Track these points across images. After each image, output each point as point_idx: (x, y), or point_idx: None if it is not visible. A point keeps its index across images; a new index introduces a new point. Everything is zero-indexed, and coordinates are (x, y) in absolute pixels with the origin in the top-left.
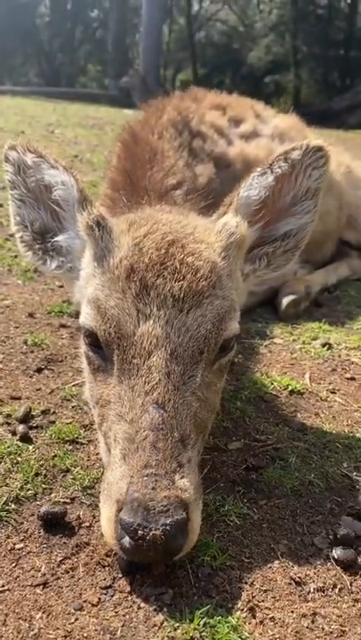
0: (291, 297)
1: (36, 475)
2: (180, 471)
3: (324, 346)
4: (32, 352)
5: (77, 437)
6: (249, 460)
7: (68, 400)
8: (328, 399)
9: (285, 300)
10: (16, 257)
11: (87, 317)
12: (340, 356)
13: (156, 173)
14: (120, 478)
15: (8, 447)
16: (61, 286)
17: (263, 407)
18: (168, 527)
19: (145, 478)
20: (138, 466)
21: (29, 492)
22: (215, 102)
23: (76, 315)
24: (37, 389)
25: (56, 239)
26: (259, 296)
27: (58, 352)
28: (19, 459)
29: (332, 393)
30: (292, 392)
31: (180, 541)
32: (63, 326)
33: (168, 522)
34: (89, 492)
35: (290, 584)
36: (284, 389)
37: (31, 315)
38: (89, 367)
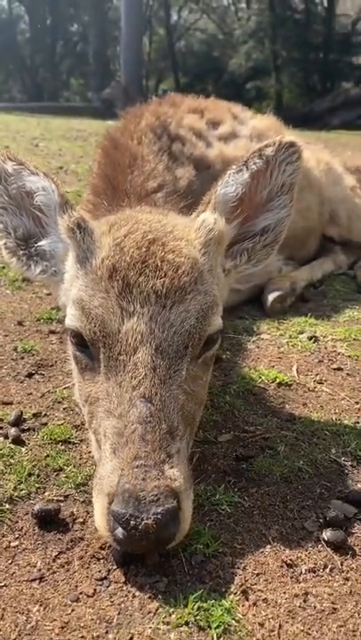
0: (276, 293)
1: (30, 475)
2: (169, 462)
3: (310, 339)
4: (22, 358)
5: (69, 438)
6: (238, 450)
7: (60, 402)
8: (316, 389)
9: (271, 297)
10: (4, 268)
11: (72, 318)
12: (326, 347)
13: (136, 177)
14: (111, 472)
15: (1, 450)
16: (49, 294)
17: (252, 400)
18: (159, 516)
19: (135, 470)
20: (128, 458)
21: (23, 491)
22: (193, 106)
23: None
24: (29, 394)
25: (39, 244)
26: (245, 294)
27: (48, 357)
28: (11, 460)
29: (320, 383)
30: (280, 384)
31: (172, 530)
32: (52, 332)
33: (159, 510)
34: (82, 489)
35: (281, 567)
36: (272, 382)
37: (20, 323)
38: (77, 367)
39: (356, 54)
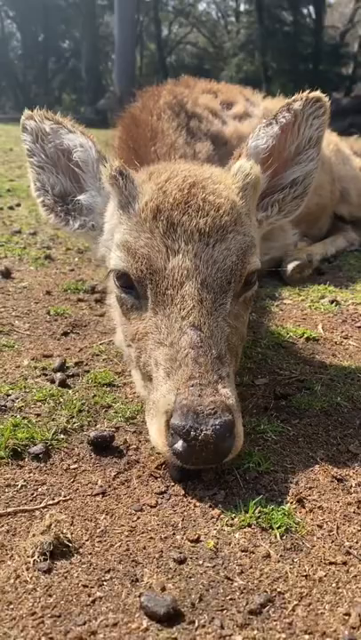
0: (295, 262)
1: (80, 411)
2: (221, 382)
3: (332, 302)
4: (56, 320)
5: (113, 381)
6: (277, 389)
7: (98, 355)
8: (343, 344)
9: (291, 266)
10: (25, 248)
11: (118, 260)
12: (348, 310)
13: (159, 149)
14: (167, 392)
15: (49, 391)
16: (72, 270)
17: (283, 352)
18: (218, 426)
19: (191, 388)
20: (183, 379)
21: (75, 424)
22: (206, 88)
23: (92, 290)
24: (67, 349)
25: (78, 198)
26: (263, 266)
27: (80, 319)
28: (61, 399)
29: (346, 339)
30: (308, 339)
31: (229, 442)
32: (81, 300)
33: (217, 422)
34: (132, 421)
35: (332, 481)
36: (300, 337)
37: (49, 292)
38: (121, 309)
39: (345, 65)
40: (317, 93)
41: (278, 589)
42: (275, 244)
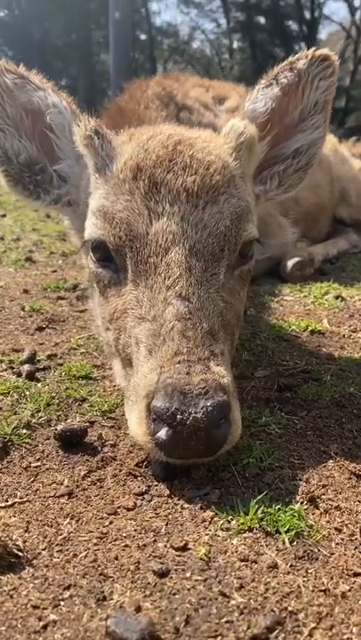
0: (296, 259)
1: (48, 405)
2: (214, 359)
3: (337, 298)
4: (31, 316)
5: (90, 374)
6: (280, 380)
7: (75, 349)
8: (351, 337)
9: (291, 262)
10: (5, 252)
11: (93, 228)
12: (354, 305)
13: None
14: (148, 372)
15: (14, 384)
16: (55, 271)
17: (285, 344)
18: (210, 408)
19: (177, 365)
20: (168, 355)
21: (42, 418)
22: (197, 82)
23: (74, 288)
24: (40, 344)
25: (53, 169)
26: (261, 266)
27: (59, 314)
28: (27, 392)
29: (354, 332)
30: (312, 332)
31: (224, 429)
32: (61, 298)
33: (209, 404)
34: (109, 415)
35: (350, 478)
36: (304, 330)
37: (26, 291)
38: (98, 287)
39: (337, 98)
40: (325, 51)
41: (290, 608)
42: (273, 241)
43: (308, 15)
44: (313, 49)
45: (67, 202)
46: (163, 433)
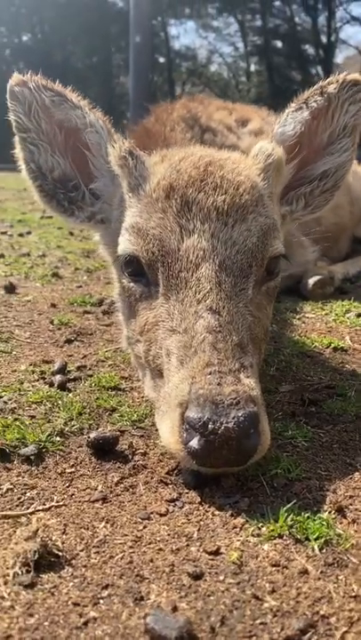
0: (317, 277)
1: (80, 414)
2: (244, 371)
3: (358, 316)
4: (59, 329)
5: (118, 385)
6: (305, 395)
7: (103, 361)
8: None
9: (312, 280)
10: (32, 267)
11: (126, 244)
12: None
13: None
14: (180, 382)
15: (47, 393)
16: (80, 287)
17: (308, 360)
18: (241, 418)
19: (209, 376)
20: (199, 366)
21: (75, 427)
22: (221, 105)
23: (100, 303)
24: (69, 355)
25: (90, 187)
26: (280, 284)
27: (86, 328)
28: (59, 402)
29: None
30: (335, 349)
31: (254, 440)
32: (87, 312)
33: (240, 414)
34: (139, 425)
35: None
36: (327, 347)
37: (54, 305)
38: (129, 301)
39: None
40: (356, 76)
41: (321, 612)
42: (294, 260)
43: (324, 39)
44: (344, 73)
45: (100, 219)
46: (195, 442)
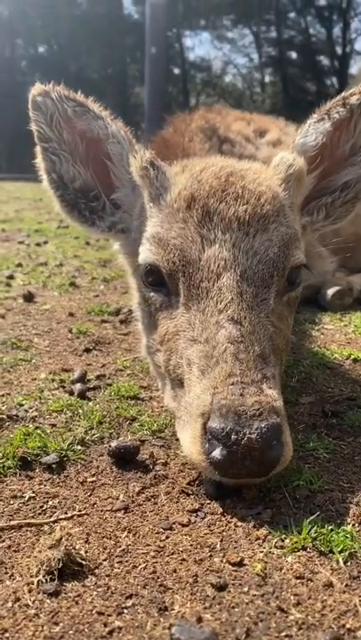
0: (336, 288)
1: (100, 423)
2: (266, 382)
3: None
4: (78, 338)
5: (138, 394)
6: (326, 407)
7: (122, 370)
8: None
9: (331, 291)
10: (50, 277)
11: (147, 254)
12: None
13: None
14: (202, 392)
15: (67, 402)
16: (97, 296)
17: (328, 372)
18: (264, 429)
19: (231, 387)
20: (221, 376)
21: (95, 436)
22: (239, 116)
23: (117, 312)
24: (88, 364)
25: (111, 197)
26: (302, 293)
27: (104, 337)
28: (80, 410)
29: None
30: (355, 360)
31: (277, 451)
32: (105, 321)
33: (263, 425)
34: (159, 435)
35: None
36: (347, 359)
37: (71, 314)
38: (149, 310)
39: None
40: None
41: (348, 626)
42: (313, 270)
43: (339, 50)
44: None
45: (120, 229)
46: (217, 452)
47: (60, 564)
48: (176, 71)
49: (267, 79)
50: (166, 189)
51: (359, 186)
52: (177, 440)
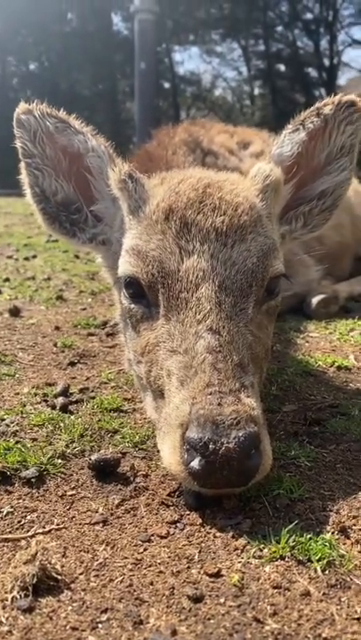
0: (321, 296)
1: (81, 436)
2: (244, 391)
3: None
4: (62, 352)
5: (121, 407)
6: (308, 415)
7: (106, 383)
8: None
9: (315, 299)
10: (37, 290)
11: (127, 266)
12: None
13: None
14: (181, 403)
15: (49, 415)
16: (84, 309)
17: (312, 380)
18: (242, 438)
19: (209, 396)
20: (199, 386)
21: (76, 449)
22: (222, 129)
23: (103, 325)
24: (72, 378)
25: (91, 209)
26: (284, 303)
27: (89, 350)
28: (61, 424)
29: None
30: (339, 368)
31: (255, 460)
32: (91, 334)
33: (241, 434)
34: (141, 447)
35: None
36: (331, 366)
37: (57, 328)
38: (130, 321)
39: None
40: (351, 97)
41: (324, 635)
42: (297, 279)
43: (327, 62)
44: (340, 95)
45: (101, 241)
46: (196, 463)
47: (35, 580)
48: (166, 85)
49: (256, 92)
50: (145, 201)
51: (336, 194)
52: (158, 451)
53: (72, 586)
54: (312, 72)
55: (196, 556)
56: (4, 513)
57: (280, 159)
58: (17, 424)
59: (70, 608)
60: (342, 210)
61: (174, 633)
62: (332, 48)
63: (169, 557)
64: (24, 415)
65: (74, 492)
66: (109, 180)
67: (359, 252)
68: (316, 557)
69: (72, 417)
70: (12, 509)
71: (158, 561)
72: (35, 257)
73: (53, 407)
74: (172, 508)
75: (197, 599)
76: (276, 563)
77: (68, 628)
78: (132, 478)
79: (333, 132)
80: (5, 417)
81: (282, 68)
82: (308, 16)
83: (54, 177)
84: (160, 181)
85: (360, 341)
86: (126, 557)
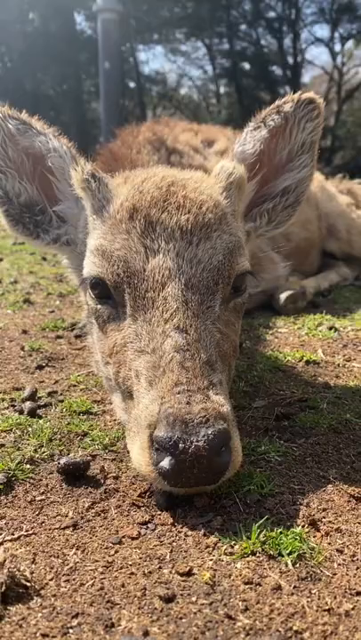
0: (288, 292)
1: (50, 440)
2: (213, 388)
3: (330, 329)
4: (30, 356)
5: (90, 409)
6: (278, 410)
7: (75, 385)
8: (346, 366)
9: (283, 295)
10: (3, 294)
11: (92, 266)
12: (348, 335)
13: None
14: (150, 403)
15: (16, 420)
16: (52, 312)
17: (281, 375)
18: (211, 436)
19: (178, 395)
20: (168, 386)
21: (45, 453)
22: (187, 127)
23: (72, 327)
24: (40, 382)
25: (54, 209)
26: (253, 301)
27: (58, 353)
28: (29, 429)
29: (348, 361)
30: (307, 362)
31: (225, 457)
32: (59, 337)
33: (210, 432)
34: (111, 449)
35: (349, 501)
36: (299, 361)
37: (25, 331)
38: (97, 322)
39: (323, 138)
40: (310, 94)
41: (295, 628)
42: (265, 275)
43: (291, 60)
44: (299, 92)
45: (65, 241)
46: (165, 462)
47: (4, 588)
48: (131, 85)
49: (222, 90)
50: (108, 201)
51: (299, 190)
52: (129, 453)
53: (42, 592)
54: (276, 70)
55: (168, 556)
56: None
57: (243, 157)
58: None
59: (40, 615)
60: (309, 206)
61: (146, 634)
62: (296, 46)
63: (140, 558)
64: None
65: (43, 496)
66: (72, 180)
67: (326, 248)
68: (287, 551)
69: (40, 421)
70: None
71: (130, 562)
72: (1, 260)
73: (21, 412)
74: (142, 508)
75: (169, 599)
76: (248, 558)
77: (38, 635)
78: (102, 481)
79: (294, 129)
80: None
81: (247, 66)
82: (272, 14)
83: (17, 179)
84: (124, 180)
85: (328, 336)
86: (97, 560)
